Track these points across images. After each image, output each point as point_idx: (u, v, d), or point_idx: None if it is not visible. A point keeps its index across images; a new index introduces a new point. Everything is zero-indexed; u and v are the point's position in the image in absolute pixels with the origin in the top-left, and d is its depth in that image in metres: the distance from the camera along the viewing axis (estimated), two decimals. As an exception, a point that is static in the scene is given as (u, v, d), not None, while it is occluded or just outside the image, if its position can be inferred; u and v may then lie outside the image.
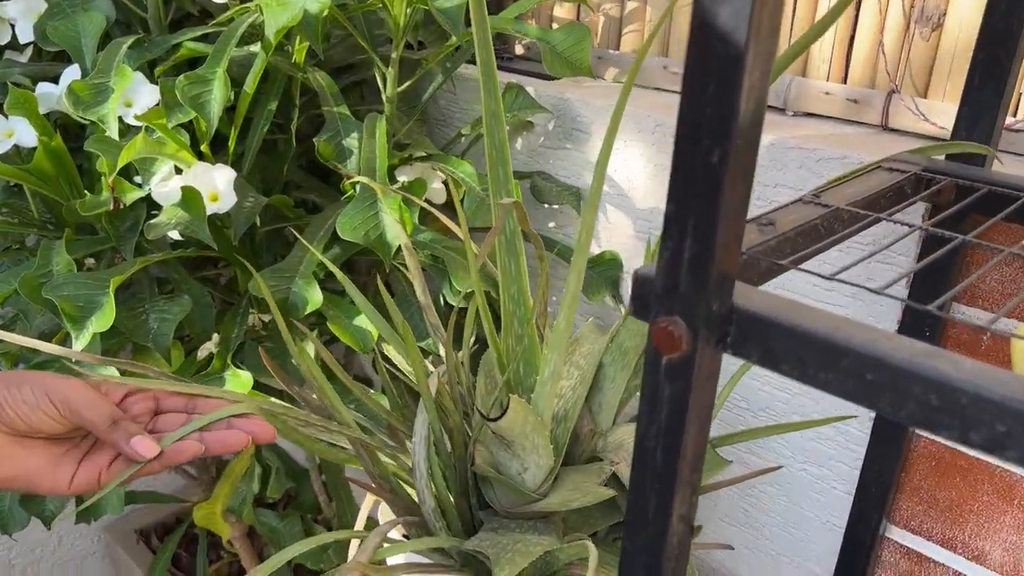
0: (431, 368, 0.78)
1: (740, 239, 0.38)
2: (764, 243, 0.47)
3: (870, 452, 0.75)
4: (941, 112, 0.77)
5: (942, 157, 0.64)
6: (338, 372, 0.73)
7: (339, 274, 0.70)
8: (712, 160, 0.35)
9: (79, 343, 0.65)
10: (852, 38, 0.83)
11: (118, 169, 0.67)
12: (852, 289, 0.76)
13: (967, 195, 0.57)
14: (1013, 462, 0.32)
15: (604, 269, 0.93)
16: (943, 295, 0.42)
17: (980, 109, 0.60)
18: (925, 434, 0.76)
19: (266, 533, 1.02)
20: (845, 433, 0.80)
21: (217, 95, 0.71)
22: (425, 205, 0.77)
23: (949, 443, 0.74)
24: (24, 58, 0.91)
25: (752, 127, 0.35)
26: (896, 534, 0.80)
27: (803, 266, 0.47)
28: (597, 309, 0.99)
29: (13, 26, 0.88)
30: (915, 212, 0.70)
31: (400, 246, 0.72)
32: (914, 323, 0.72)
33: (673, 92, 0.97)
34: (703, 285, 0.38)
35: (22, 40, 0.87)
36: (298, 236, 0.79)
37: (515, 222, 0.63)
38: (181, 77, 0.71)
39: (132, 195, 0.69)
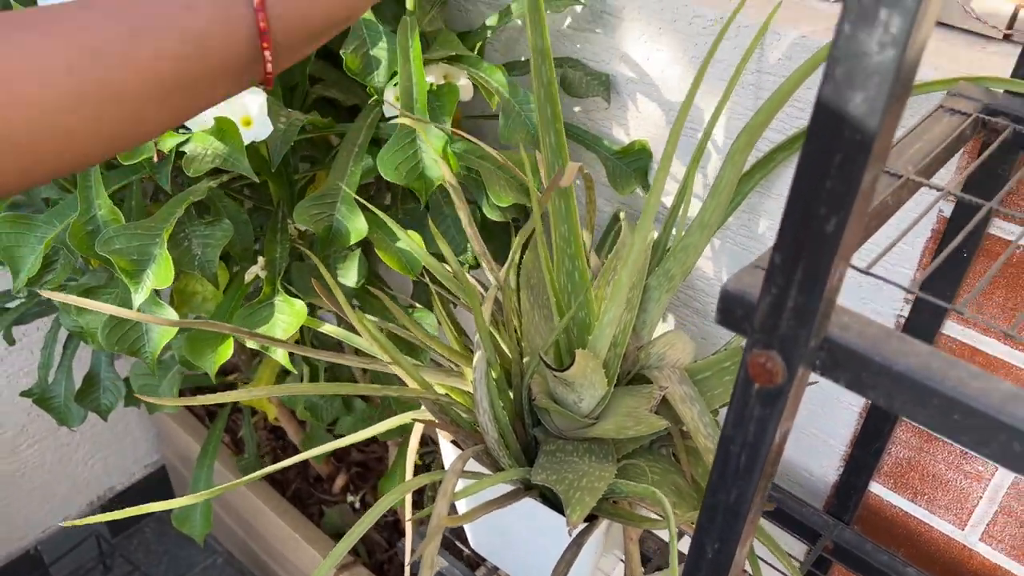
0: (475, 283, 0.80)
1: (840, 286, 0.39)
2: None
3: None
4: (991, 8, 0.75)
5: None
6: (383, 298, 0.75)
7: (380, 213, 0.70)
8: (827, 229, 0.36)
9: (138, 298, 0.66)
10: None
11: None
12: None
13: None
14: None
15: (633, 159, 0.93)
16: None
17: (1049, 47, 0.59)
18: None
19: (306, 407, 1.07)
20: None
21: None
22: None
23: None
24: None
25: (866, 199, 0.35)
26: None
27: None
28: (625, 197, 0.99)
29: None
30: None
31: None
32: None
33: (706, -33, 0.91)
34: (805, 328, 0.39)
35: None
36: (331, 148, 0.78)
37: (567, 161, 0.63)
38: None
39: (172, 142, 0.67)
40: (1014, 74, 0.62)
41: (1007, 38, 0.75)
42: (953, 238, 0.71)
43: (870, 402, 0.85)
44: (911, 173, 0.53)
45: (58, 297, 0.61)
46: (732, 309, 0.43)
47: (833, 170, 0.34)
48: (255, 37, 0.44)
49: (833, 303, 0.40)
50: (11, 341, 1.05)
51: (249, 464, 1.28)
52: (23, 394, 1.05)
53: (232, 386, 1.47)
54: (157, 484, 1.70)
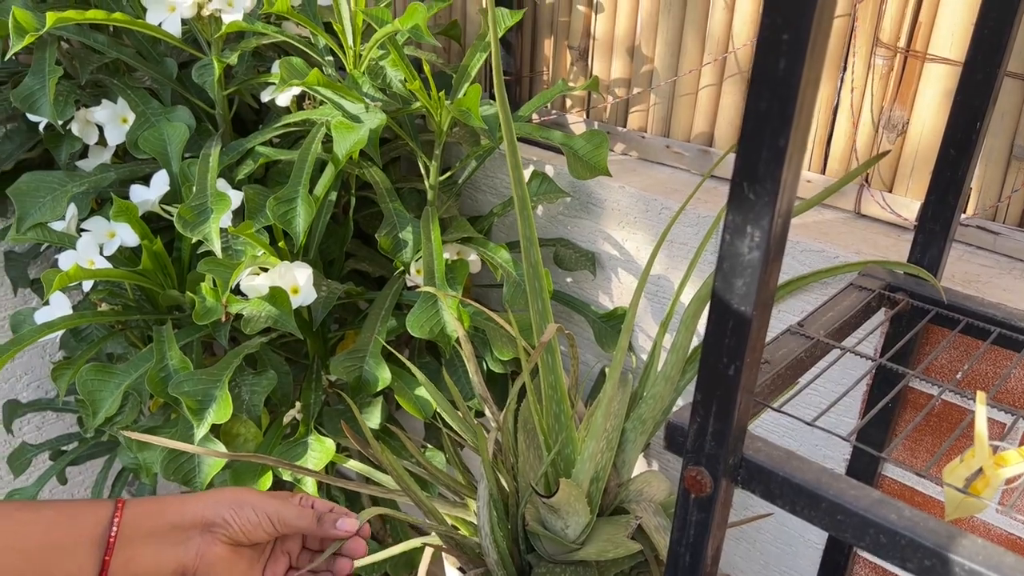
0: (480, 426, 0.93)
1: (749, 415, 0.53)
2: (762, 383, 0.62)
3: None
4: (904, 205, 0.92)
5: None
6: (402, 437, 0.88)
7: (409, 364, 0.84)
8: (729, 373, 0.50)
9: (199, 432, 0.80)
10: (830, 137, 0.97)
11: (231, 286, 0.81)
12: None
13: (919, 316, 0.73)
14: (935, 586, 0.48)
15: (617, 323, 1.08)
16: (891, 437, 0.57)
17: (932, 239, 0.75)
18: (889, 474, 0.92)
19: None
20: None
21: (302, 212, 0.85)
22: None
23: (910, 483, 0.91)
24: (107, 155, 1.03)
25: (756, 351, 0.50)
26: (868, 554, 0.96)
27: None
28: (610, 355, 1.14)
29: (101, 128, 1.01)
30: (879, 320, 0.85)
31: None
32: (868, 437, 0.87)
33: (674, 167, 1.11)
34: (723, 448, 0.53)
35: (111, 143, 0.99)
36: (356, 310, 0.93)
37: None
38: (271, 199, 0.84)
39: (238, 307, 0.83)
40: (909, 259, 0.78)
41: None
42: (878, 390, 0.85)
43: (827, 539, 0.96)
44: (821, 336, 0.68)
45: (131, 435, 0.75)
46: (675, 436, 0.57)
47: (729, 331, 0.49)
48: None
49: (745, 428, 0.54)
50: (63, 481, 1.18)
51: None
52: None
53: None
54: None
